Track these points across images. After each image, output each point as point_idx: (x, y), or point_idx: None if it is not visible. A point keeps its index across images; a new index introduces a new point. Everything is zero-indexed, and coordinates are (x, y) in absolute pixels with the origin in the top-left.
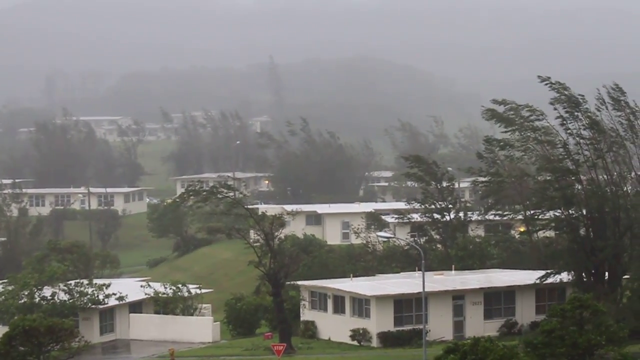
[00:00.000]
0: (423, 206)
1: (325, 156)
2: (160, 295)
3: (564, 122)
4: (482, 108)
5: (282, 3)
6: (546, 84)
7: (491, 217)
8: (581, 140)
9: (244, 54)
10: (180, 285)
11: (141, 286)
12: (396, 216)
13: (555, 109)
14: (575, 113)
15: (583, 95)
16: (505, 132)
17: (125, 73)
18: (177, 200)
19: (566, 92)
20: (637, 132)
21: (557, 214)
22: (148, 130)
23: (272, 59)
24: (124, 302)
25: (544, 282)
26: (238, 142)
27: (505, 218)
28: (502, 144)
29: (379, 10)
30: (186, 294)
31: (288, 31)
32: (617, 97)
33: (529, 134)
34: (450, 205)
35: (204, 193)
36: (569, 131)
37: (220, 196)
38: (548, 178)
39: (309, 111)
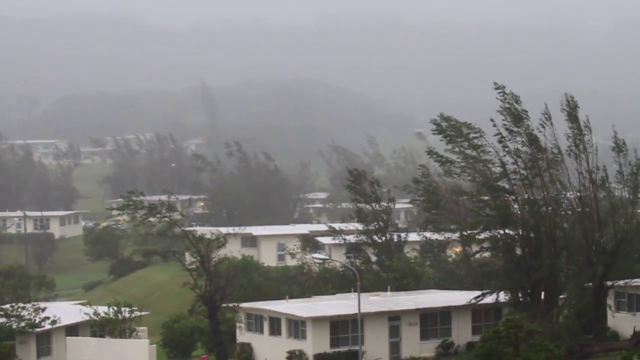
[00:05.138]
0: (363, 226)
1: (260, 178)
2: (100, 316)
3: (502, 139)
4: (430, 122)
5: (217, 25)
6: (499, 92)
7: (427, 237)
8: (519, 159)
9: (179, 76)
10: (121, 307)
11: (83, 305)
12: (331, 235)
13: (494, 125)
14: (516, 129)
15: (527, 111)
16: (446, 149)
17: (60, 96)
18: (116, 212)
19: (516, 105)
20: (584, 146)
21: (493, 234)
22: (83, 153)
23: (204, 82)
24: (60, 325)
25: (480, 303)
26: (173, 165)
27: (441, 238)
28: (442, 159)
29: (314, 33)
30: (126, 315)
31: (223, 53)
32: (571, 109)
33: (468, 151)
34: (386, 226)
35: (144, 211)
36: (507, 149)
37: (159, 216)
38: (485, 198)
39: (243, 133)
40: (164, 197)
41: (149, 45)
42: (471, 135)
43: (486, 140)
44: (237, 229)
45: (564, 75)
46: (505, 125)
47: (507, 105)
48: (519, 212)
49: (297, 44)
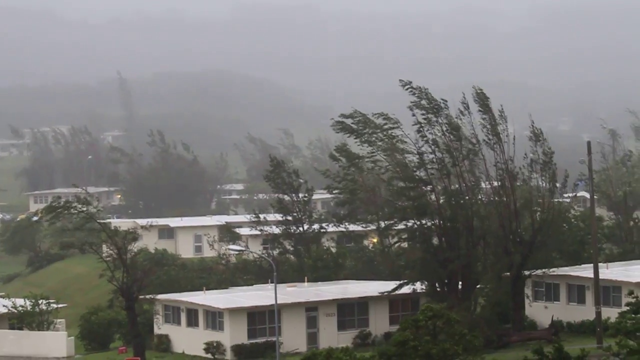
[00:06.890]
0: (282, 217)
1: (178, 169)
2: (18, 309)
3: (421, 128)
4: (332, 120)
5: (132, 16)
6: (407, 89)
7: (345, 229)
8: (436, 149)
9: (95, 67)
10: (39, 299)
11: (1, 297)
12: (249, 226)
13: (413, 114)
14: (435, 118)
15: (446, 100)
16: (357, 143)
17: None
18: (37, 218)
19: (427, 97)
20: (499, 136)
21: (410, 224)
22: (0, 146)
23: (120, 74)
24: None
25: (397, 293)
26: (90, 157)
27: (358, 228)
28: (349, 157)
29: (230, 23)
30: (44, 308)
31: (139, 44)
32: (482, 100)
33: (380, 144)
34: (304, 217)
35: (59, 209)
36: (425, 138)
37: (75, 211)
38: (401, 187)
39: (160, 125)
40: (78, 190)
41: (64, 37)
42: (387, 126)
43: (402, 131)
44: (151, 222)
45: (480, 66)
46: (422, 114)
47: (418, 99)
48: (435, 203)
49: (213, 34)
